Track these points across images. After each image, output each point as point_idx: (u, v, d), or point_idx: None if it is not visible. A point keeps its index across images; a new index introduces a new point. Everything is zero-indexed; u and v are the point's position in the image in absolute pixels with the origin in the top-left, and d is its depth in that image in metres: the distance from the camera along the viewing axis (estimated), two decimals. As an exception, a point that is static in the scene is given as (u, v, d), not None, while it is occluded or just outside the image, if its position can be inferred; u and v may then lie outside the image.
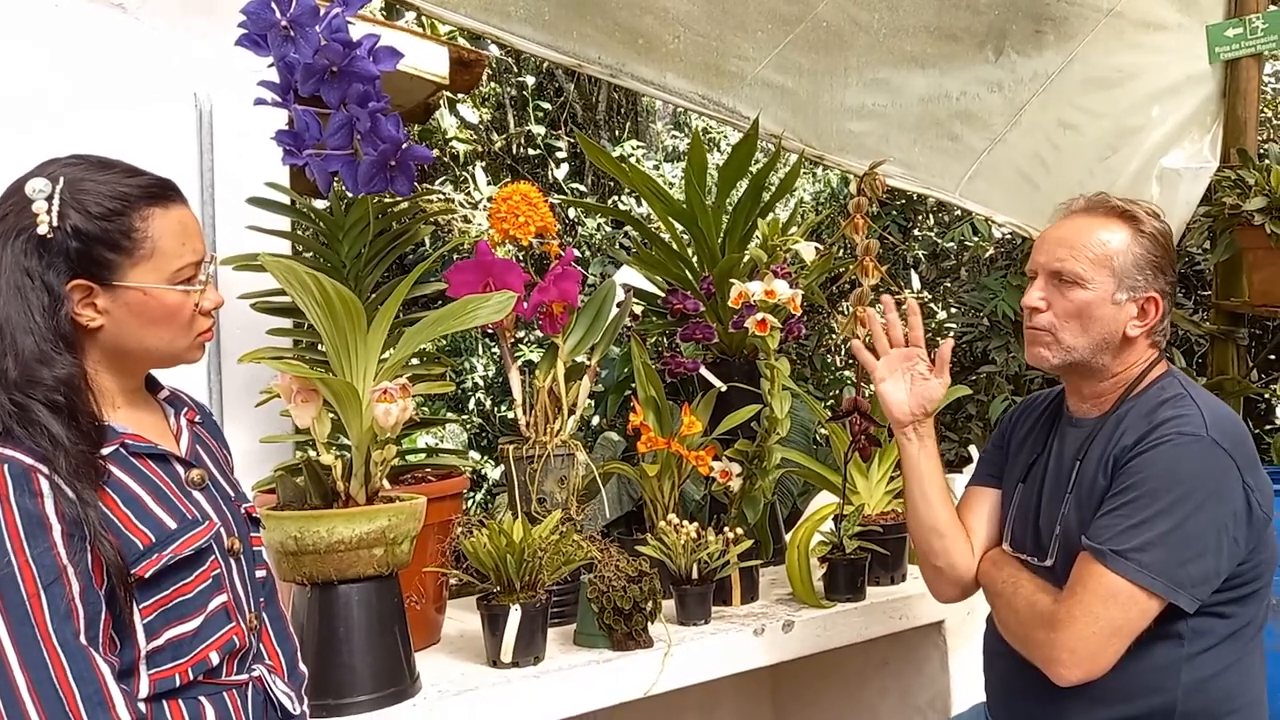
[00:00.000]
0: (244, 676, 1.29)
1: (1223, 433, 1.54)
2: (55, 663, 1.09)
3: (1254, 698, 1.62)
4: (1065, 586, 1.56)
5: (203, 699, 1.23)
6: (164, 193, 1.27)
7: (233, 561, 1.31)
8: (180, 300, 1.27)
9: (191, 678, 1.22)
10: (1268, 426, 4.72)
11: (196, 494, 1.29)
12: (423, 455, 2.30)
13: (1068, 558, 1.61)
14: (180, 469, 1.29)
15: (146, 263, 1.24)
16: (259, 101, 1.69)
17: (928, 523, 1.78)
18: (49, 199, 1.18)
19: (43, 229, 1.18)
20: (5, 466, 1.12)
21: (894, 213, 5.69)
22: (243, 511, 1.37)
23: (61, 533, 1.12)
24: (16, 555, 1.09)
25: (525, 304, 1.99)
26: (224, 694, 1.26)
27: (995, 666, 1.79)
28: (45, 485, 1.12)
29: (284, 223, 1.96)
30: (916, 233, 5.81)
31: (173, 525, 1.22)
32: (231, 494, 1.37)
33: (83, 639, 1.11)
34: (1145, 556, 1.49)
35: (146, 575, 1.18)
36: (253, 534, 1.39)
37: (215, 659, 1.24)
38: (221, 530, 1.29)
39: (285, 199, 1.92)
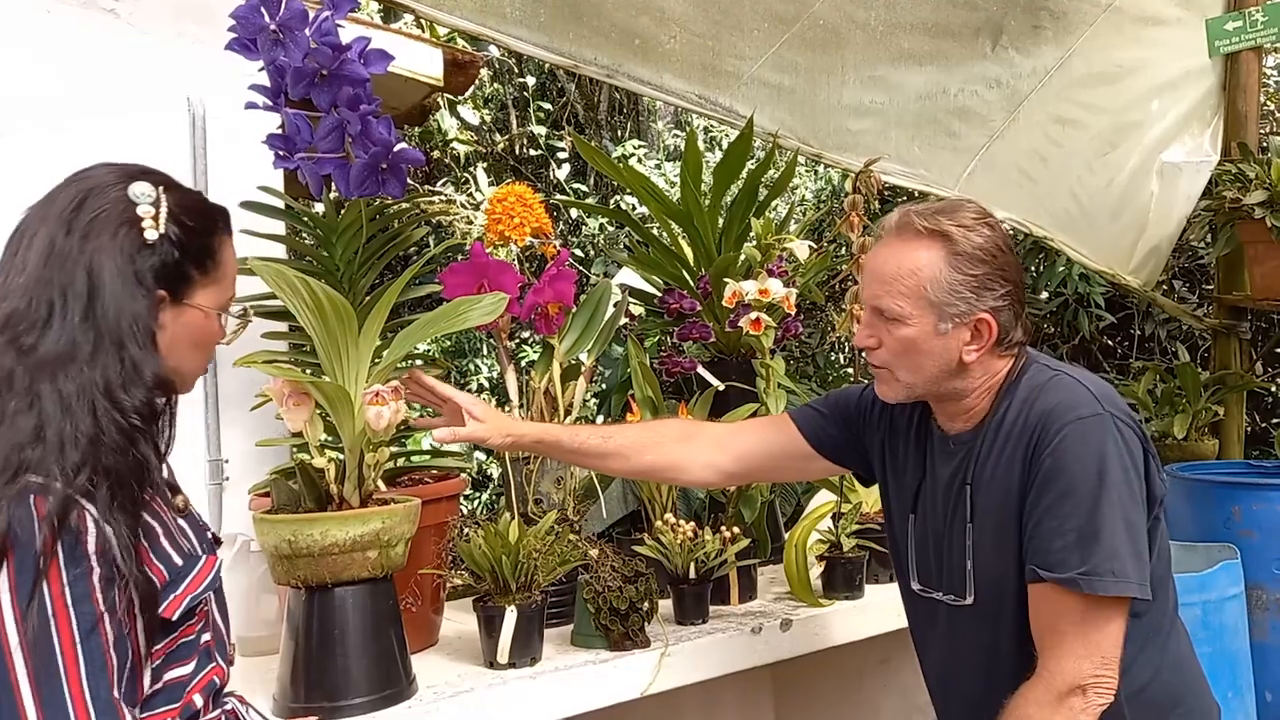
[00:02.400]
0: (218, 713, 1.25)
1: (1114, 404, 1.47)
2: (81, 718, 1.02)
3: (1197, 688, 1.57)
4: (1043, 632, 1.44)
5: None
6: (230, 224, 1.28)
7: (213, 594, 1.26)
8: (218, 329, 1.27)
9: None
10: (1273, 420, 4.71)
11: (181, 521, 1.23)
12: (427, 456, 2.30)
13: (991, 593, 1.52)
14: (169, 494, 1.24)
15: (215, 286, 1.24)
16: (250, 105, 1.69)
17: (632, 473, 1.85)
18: (155, 204, 1.17)
19: (151, 234, 1.16)
20: (48, 499, 1.03)
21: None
22: (210, 535, 1.31)
23: (101, 576, 1.05)
24: (55, 603, 1.02)
25: (521, 304, 1.99)
26: None
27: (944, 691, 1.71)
28: (91, 523, 1.05)
29: (278, 226, 1.96)
30: (919, 230, 5.79)
31: (179, 562, 1.17)
32: (198, 517, 1.31)
33: (115, 692, 1.05)
34: (1115, 564, 1.39)
35: (174, 617, 1.13)
36: (220, 560, 1.30)
37: (199, 701, 1.19)
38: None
39: (279, 202, 1.92)
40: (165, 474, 1.25)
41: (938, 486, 1.61)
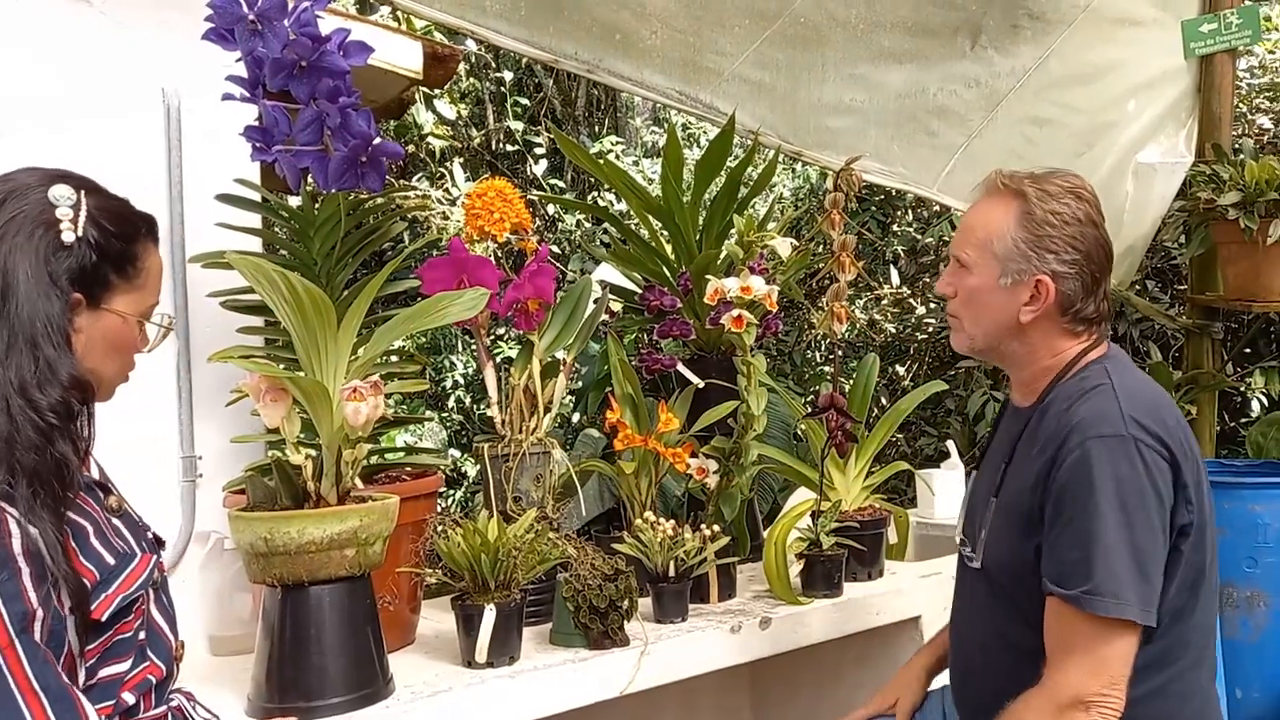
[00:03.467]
0: (162, 709, 1.25)
1: (1146, 426, 1.46)
2: (35, 711, 1.03)
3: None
4: (1054, 645, 1.47)
5: None
6: (155, 231, 1.28)
7: (152, 592, 1.25)
8: (138, 335, 1.26)
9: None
10: (1243, 420, 4.76)
11: (115, 521, 1.23)
12: (401, 454, 2.29)
13: (996, 568, 1.59)
14: (100, 494, 1.23)
15: (135, 293, 1.24)
16: (227, 97, 1.66)
17: None
18: (74, 208, 1.17)
19: (68, 236, 1.16)
20: None
21: (873, 209, 5.70)
22: (150, 535, 1.31)
23: (32, 574, 1.06)
24: None
25: (500, 301, 1.97)
26: None
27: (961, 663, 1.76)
28: (13, 524, 1.06)
29: (254, 220, 1.93)
30: (895, 228, 5.82)
31: (111, 561, 1.17)
32: (136, 516, 1.31)
33: (64, 680, 1.06)
34: (1117, 586, 1.40)
35: (103, 618, 1.14)
36: (158, 558, 1.30)
37: (130, 699, 1.19)
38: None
39: (255, 196, 1.90)
40: (97, 474, 1.25)
41: (992, 451, 1.70)
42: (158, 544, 1.32)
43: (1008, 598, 1.58)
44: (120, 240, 1.21)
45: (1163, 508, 1.44)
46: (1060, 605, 1.45)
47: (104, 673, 1.16)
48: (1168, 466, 1.46)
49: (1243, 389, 4.61)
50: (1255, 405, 4.65)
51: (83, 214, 1.17)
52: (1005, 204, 1.58)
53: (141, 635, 1.22)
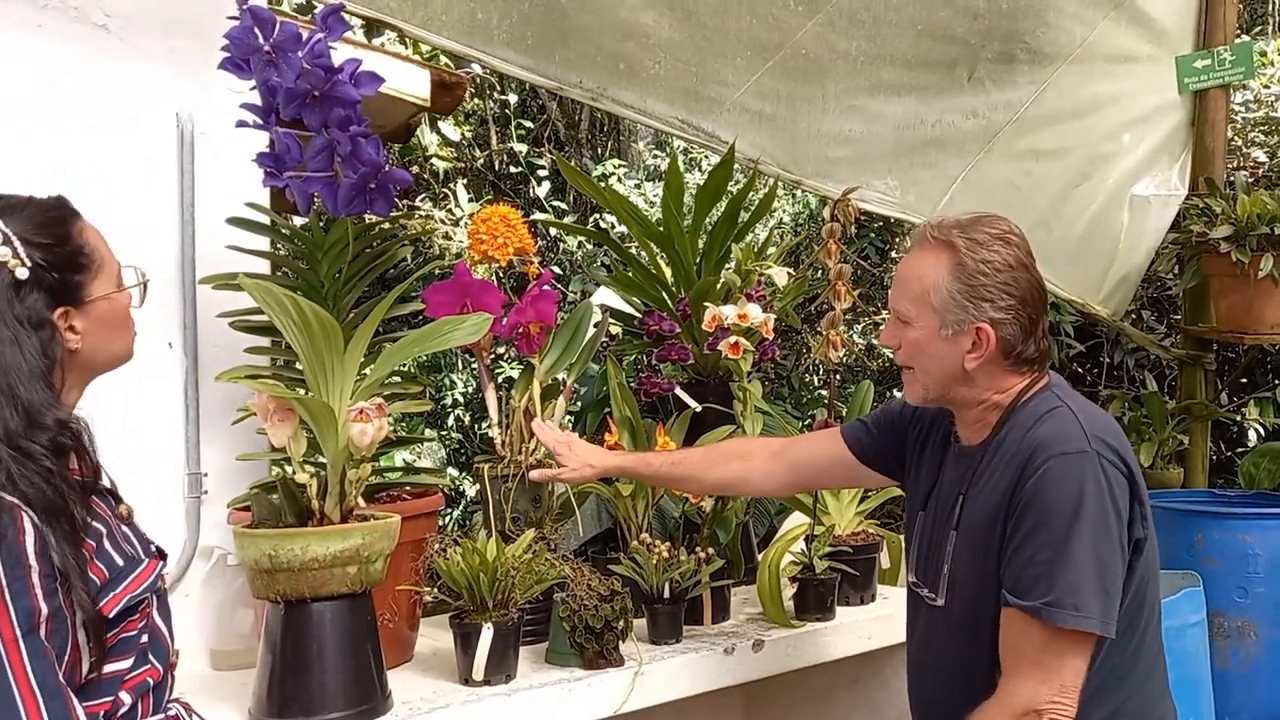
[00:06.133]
0: (160, 717, 1.27)
1: (1106, 443, 1.50)
2: (30, 707, 1.05)
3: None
4: (1006, 654, 1.49)
5: None
6: (71, 206, 1.28)
7: (155, 598, 1.28)
8: (127, 301, 1.30)
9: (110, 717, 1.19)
10: (1238, 450, 4.79)
11: (125, 528, 1.26)
12: (400, 473, 2.32)
13: (961, 600, 1.59)
14: (112, 501, 1.27)
15: (101, 273, 1.26)
16: (241, 124, 1.71)
17: (702, 490, 2.05)
18: (8, 244, 1.17)
19: (22, 272, 1.17)
20: None
21: (871, 235, 5.75)
22: (154, 548, 1.33)
23: (41, 573, 1.09)
24: None
25: (503, 324, 2.01)
26: None
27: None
28: (28, 523, 1.09)
29: (264, 242, 1.97)
30: (894, 254, 5.86)
31: (120, 563, 1.21)
32: (141, 531, 1.33)
33: (60, 679, 1.09)
34: (1078, 599, 1.43)
35: (111, 614, 1.17)
36: (164, 569, 1.33)
37: (127, 700, 1.21)
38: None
39: (265, 219, 1.94)
40: (108, 482, 1.28)
41: (943, 490, 1.68)
42: (161, 555, 1.34)
43: (971, 625, 1.58)
44: (61, 244, 1.21)
45: (1121, 523, 1.48)
46: (1018, 616, 1.47)
47: (105, 669, 1.19)
48: (1126, 482, 1.50)
49: (1236, 419, 4.64)
50: (1251, 435, 4.68)
51: (16, 243, 1.17)
52: (936, 256, 1.58)
53: (144, 639, 1.24)
